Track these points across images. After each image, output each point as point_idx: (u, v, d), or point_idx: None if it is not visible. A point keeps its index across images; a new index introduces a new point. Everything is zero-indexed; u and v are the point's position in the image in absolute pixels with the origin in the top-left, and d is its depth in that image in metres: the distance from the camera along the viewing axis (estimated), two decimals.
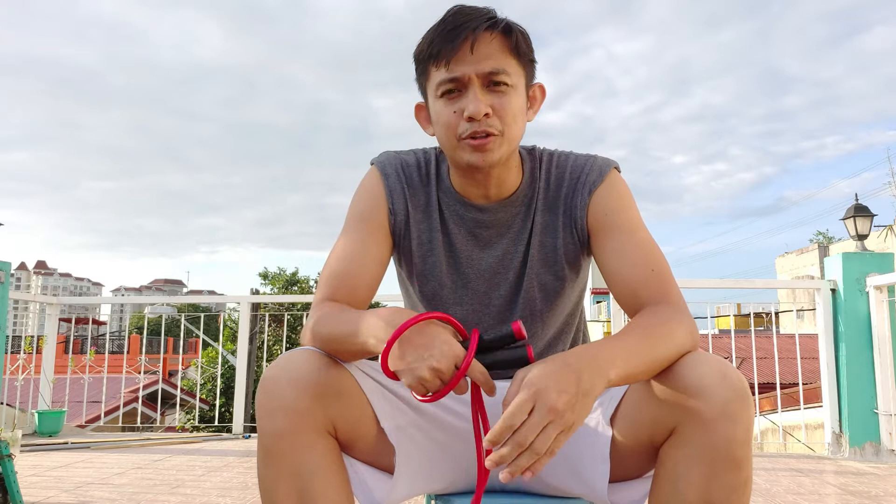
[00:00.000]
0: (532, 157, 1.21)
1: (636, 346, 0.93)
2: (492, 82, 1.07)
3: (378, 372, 1.07)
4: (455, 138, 1.09)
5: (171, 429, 10.97)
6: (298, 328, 12.33)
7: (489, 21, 1.07)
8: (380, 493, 1.05)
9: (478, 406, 0.96)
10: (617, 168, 1.20)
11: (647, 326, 0.98)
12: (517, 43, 1.09)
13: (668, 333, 0.96)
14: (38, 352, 5.27)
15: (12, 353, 5.75)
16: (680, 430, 0.90)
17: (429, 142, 1.26)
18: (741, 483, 0.88)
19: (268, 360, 9.86)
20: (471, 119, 1.06)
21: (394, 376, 0.92)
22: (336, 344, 1.00)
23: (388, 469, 1.06)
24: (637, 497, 1.04)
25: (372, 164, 1.25)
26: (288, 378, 0.94)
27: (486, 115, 1.06)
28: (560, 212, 1.18)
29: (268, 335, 7.31)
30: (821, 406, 4.19)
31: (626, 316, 1.31)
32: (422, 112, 1.20)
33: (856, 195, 12.48)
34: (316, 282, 18.08)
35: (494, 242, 1.19)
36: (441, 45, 1.07)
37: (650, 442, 0.96)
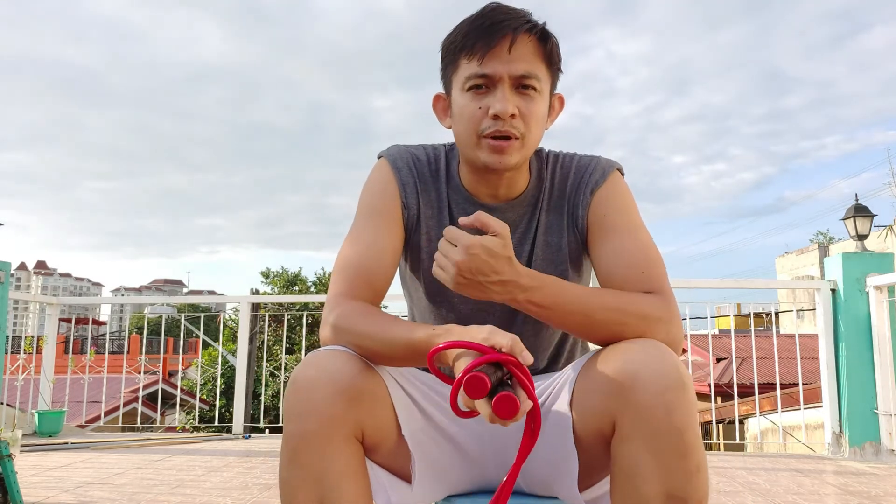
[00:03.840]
0: (539, 158, 1.22)
1: (583, 292, 1.01)
2: (521, 85, 1.07)
3: (403, 377, 1.06)
4: (475, 135, 1.09)
5: (171, 429, 10.97)
6: (298, 328, 12.32)
7: (528, 24, 1.07)
8: (397, 499, 1.05)
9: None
10: (620, 170, 1.21)
11: (614, 292, 1.04)
12: (551, 51, 1.10)
13: (628, 302, 1.01)
14: (38, 352, 5.27)
15: (12, 353, 5.75)
16: (620, 421, 0.90)
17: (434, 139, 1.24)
18: (693, 469, 0.88)
19: (268, 360, 9.85)
20: (496, 117, 1.06)
21: (445, 378, 0.92)
22: (374, 345, 0.98)
23: (406, 474, 1.05)
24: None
25: (380, 156, 1.23)
26: (323, 381, 0.92)
27: (512, 115, 1.06)
28: (565, 211, 1.19)
29: (268, 335, 7.30)
30: (821, 406, 4.19)
31: None
32: (440, 103, 1.19)
33: (856, 195, 12.47)
34: (316, 282, 18.08)
35: None
36: (478, 39, 1.06)
37: (599, 433, 0.96)
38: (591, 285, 1.28)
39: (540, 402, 1.11)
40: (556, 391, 1.09)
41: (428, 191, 1.20)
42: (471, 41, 1.06)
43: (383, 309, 1.12)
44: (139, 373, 6.16)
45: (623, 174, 1.22)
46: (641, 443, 0.88)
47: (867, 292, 3.93)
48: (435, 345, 0.92)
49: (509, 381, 0.86)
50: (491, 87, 1.07)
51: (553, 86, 1.14)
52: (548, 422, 1.08)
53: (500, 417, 0.80)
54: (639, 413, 0.88)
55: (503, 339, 0.87)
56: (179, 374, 11.81)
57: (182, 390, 10.16)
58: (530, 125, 1.08)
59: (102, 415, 9.39)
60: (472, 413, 0.85)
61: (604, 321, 0.99)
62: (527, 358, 0.86)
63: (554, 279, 1.01)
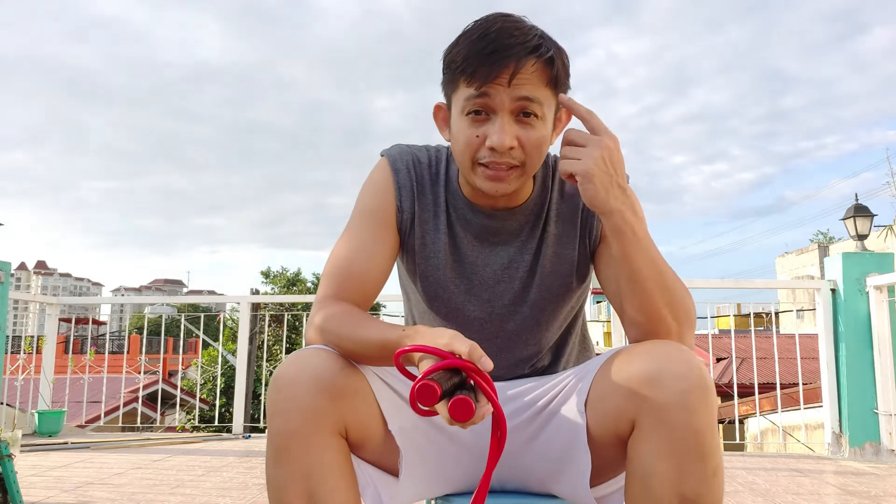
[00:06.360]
0: (544, 165, 1.19)
1: (658, 254, 1.03)
2: (522, 112, 1.03)
3: (388, 374, 1.06)
4: (471, 161, 1.06)
5: (171, 429, 10.96)
6: (299, 328, 12.32)
7: (534, 50, 1.02)
8: (386, 495, 1.05)
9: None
10: (628, 179, 1.20)
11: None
12: (557, 74, 1.05)
13: (681, 286, 1.03)
14: (38, 352, 5.27)
15: (12, 353, 5.75)
16: (640, 421, 0.91)
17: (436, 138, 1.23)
18: (710, 472, 0.88)
19: (268, 360, 9.86)
20: (493, 149, 1.03)
21: (410, 376, 0.92)
22: (352, 346, 0.99)
23: (394, 471, 1.05)
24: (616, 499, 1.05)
25: (382, 155, 1.22)
26: (305, 377, 0.93)
27: (511, 147, 1.03)
28: (577, 222, 1.17)
29: (268, 335, 7.30)
30: (821, 406, 4.19)
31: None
32: (441, 113, 1.16)
33: (856, 195, 12.48)
34: (316, 282, 18.07)
35: (500, 250, 1.17)
36: (479, 65, 1.01)
37: (615, 434, 0.96)
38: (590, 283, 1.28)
39: (544, 401, 1.12)
40: (566, 392, 1.09)
41: (425, 194, 1.18)
42: (471, 66, 1.02)
43: (382, 310, 1.12)
44: (139, 373, 6.18)
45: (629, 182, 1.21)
46: (660, 443, 0.88)
47: (867, 292, 3.93)
48: (402, 346, 0.92)
49: (471, 386, 0.87)
50: (490, 113, 1.03)
51: (559, 104, 1.09)
52: (555, 422, 1.08)
53: (456, 420, 0.81)
54: (659, 413, 0.88)
55: (462, 346, 0.87)
56: (179, 374, 11.81)
57: (182, 390, 10.16)
58: (530, 153, 1.05)
59: (102, 415, 9.39)
60: (432, 412, 0.86)
61: (666, 286, 1.01)
62: (486, 364, 0.86)
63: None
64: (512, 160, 1.04)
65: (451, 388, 0.84)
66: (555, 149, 1.17)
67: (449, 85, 1.10)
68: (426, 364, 0.87)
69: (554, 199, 1.18)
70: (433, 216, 1.18)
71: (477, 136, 1.04)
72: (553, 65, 1.04)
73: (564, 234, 1.17)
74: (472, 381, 0.87)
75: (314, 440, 0.92)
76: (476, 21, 1.06)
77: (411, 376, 0.92)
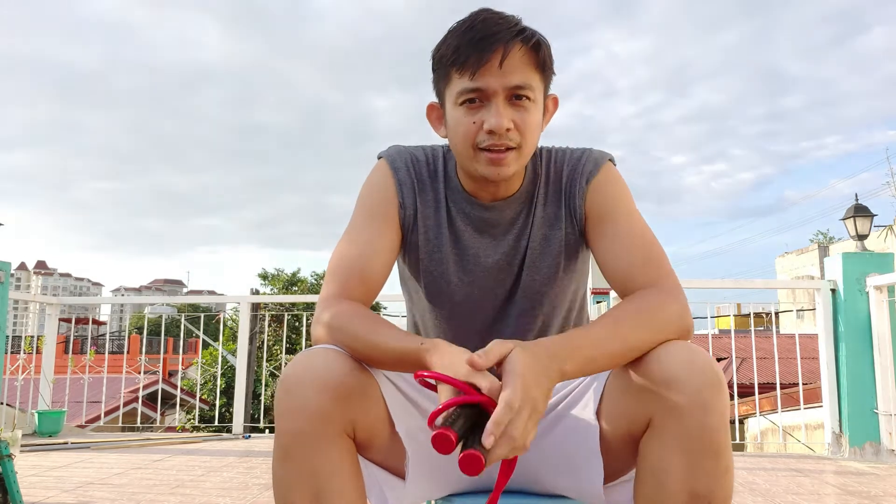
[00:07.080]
0: (533, 155, 1.22)
1: (608, 334, 0.95)
2: (515, 96, 1.07)
3: (396, 375, 1.07)
4: (472, 148, 1.09)
5: (171, 429, 10.96)
6: (299, 328, 12.31)
7: (520, 34, 1.06)
8: (392, 497, 1.05)
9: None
10: (612, 160, 1.23)
11: (629, 312, 0.99)
12: (544, 59, 1.09)
13: (650, 319, 0.97)
14: (38, 352, 5.27)
15: (12, 353, 5.75)
16: (655, 421, 0.91)
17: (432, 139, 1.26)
18: (722, 470, 0.89)
19: (268, 360, 9.86)
20: (491, 132, 1.06)
21: (431, 387, 0.92)
22: (366, 349, 0.99)
23: (400, 472, 1.06)
24: (626, 498, 1.05)
25: (380, 157, 1.24)
26: (312, 378, 0.93)
27: (508, 129, 1.06)
28: (562, 203, 1.20)
29: (268, 335, 7.30)
30: (821, 406, 4.19)
31: None
32: (434, 112, 1.19)
33: (856, 195, 12.48)
34: (316, 281, 18.06)
35: (500, 239, 1.20)
36: (469, 54, 1.05)
37: (629, 435, 0.97)
38: (590, 285, 1.29)
39: (553, 401, 1.12)
40: (577, 394, 1.10)
41: (425, 190, 1.21)
42: (462, 56, 1.06)
43: (383, 311, 1.12)
44: (139, 373, 6.17)
45: (615, 164, 1.23)
46: (674, 440, 0.89)
47: (867, 292, 3.93)
48: (421, 360, 0.93)
49: (487, 416, 0.84)
50: (484, 100, 1.07)
51: (546, 89, 1.15)
52: (566, 424, 1.09)
53: (465, 474, 0.81)
54: (675, 412, 0.89)
55: (482, 381, 0.86)
56: (179, 374, 11.80)
57: (182, 390, 10.16)
58: (526, 135, 1.09)
59: (102, 415, 9.37)
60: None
61: (639, 344, 0.96)
62: None
63: (572, 341, 0.93)
64: (509, 142, 1.08)
65: (466, 431, 0.83)
66: (546, 137, 1.22)
67: (441, 80, 1.13)
68: (444, 391, 0.87)
69: (541, 185, 1.21)
70: (434, 212, 1.21)
71: (474, 123, 1.08)
72: (540, 50, 1.09)
73: (551, 214, 1.20)
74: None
75: (321, 441, 0.92)
76: (460, 19, 1.11)
77: (431, 387, 0.93)
